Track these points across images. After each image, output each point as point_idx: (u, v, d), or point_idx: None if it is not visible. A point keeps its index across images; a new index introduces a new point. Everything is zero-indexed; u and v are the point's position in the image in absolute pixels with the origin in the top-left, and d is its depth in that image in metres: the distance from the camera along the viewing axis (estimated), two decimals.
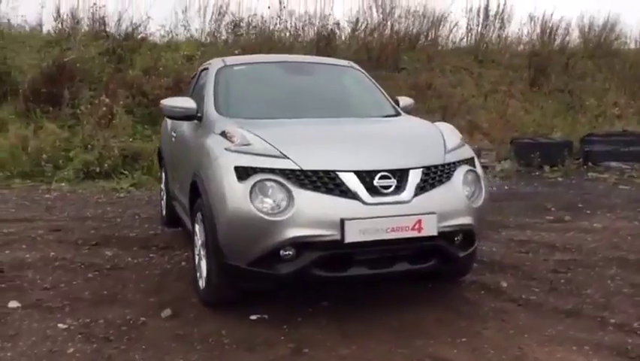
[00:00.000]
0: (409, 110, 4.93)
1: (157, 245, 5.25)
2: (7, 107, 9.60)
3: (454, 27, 15.23)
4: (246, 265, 3.40)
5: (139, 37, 12.32)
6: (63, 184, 8.55)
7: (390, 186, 3.39)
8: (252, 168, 3.38)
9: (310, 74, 4.88)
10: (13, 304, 3.81)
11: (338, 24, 13.99)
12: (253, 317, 3.65)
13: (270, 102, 4.48)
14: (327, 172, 3.35)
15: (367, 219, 3.29)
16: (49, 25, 12.32)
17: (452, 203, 3.53)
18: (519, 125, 12.95)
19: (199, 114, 4.34)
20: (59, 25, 11.98)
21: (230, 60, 4.95)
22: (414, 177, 3.45)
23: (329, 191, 3.32)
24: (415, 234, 3.37)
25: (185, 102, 4.39)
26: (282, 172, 3.34)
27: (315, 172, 3.34)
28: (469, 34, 15.76)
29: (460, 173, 3.66)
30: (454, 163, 3.68)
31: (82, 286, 4.18)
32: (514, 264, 4.77)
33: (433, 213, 3.40)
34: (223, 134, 3.72)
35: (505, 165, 10.85)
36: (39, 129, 9.30)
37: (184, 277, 4.35)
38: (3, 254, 4.92)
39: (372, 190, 3.36)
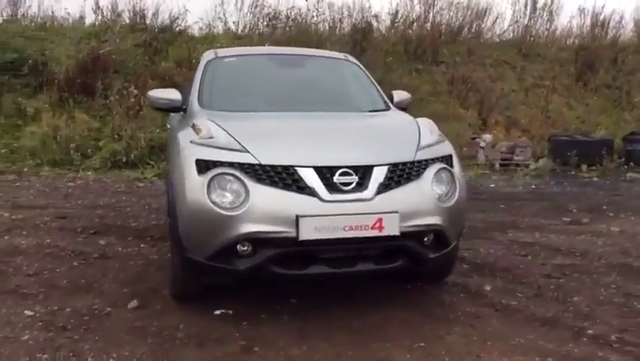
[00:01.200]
0: (404, 105, 4.79)
1: (152, 236, 5.29)
2: (43, 97, 9.91)
3: (497, 19, 14.80)
4: (204, 260, 3.35)
5: (176, 29, 12.48)
6: (90, 173, 8.78)
7: (350, 183, 3.28)
8: (212, 161, 3.33)
9: (301, 66, 4.80)
10: None
11: (376, 16, 13.82)
12: (217, 312, 3.61)
13: (254, 95, 4.43)
14: (285, 167, 3.27)
15: (323, 217, 3.20)
16: (90, 18, 12.60)
17: (418, 202, 3.39)
18: (561, 121, 12.51)
19: (184, 106, 4.33)
20: (99, 17, 12.24)
21: (222, 52, 4.93)
22: (378, 175, 3.33)
23: (286, 187, 3.24)
24: (375, 233, 3.25)
25: (171, 94, 4.39)
26: (241, 166, 3.29)
27: (273, 167, 3.27)
28: (515, 27, 15.32)
29: (431, 171, 3.51)
30: (425, 161, 3.53)
31: (63, 274, 4.25)
32: (507, 267, 4.58)
33: (396, 212, 3.27)
34: (193, 126, 3.69)
35: (540, 163, 10.47)
36: (71, 119, 9.55)
37: (165, 269, 4.34)
38: (2, 240, 5.06)
39: (332, 187, 3.26)
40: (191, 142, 3.52)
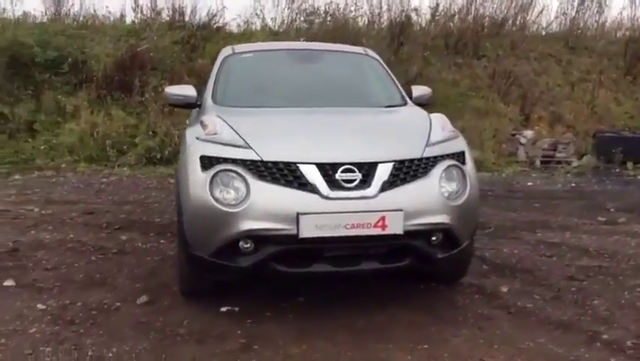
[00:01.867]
0: (424, 100, 4.68)
1: (173, 232, 5.28)
2: (82, 95, 10.13)
3: (542, 11, 14.37)
4: (208, 256, 3.34)
5: (214, 26, 12.59)
6: (125, 169, 8.93)
7: (353, 180, 3.21)
8: (215, 157, 3.32)
9: (318, 61, 4.74)
10: (8, 282, 3.99)
11: (416, 10, 13.60)
12: (223, 309, 3.60)
13: (268, 91, 4.40)
14: (287, 164, 3.22)
15: (325, 214, 3.14)
16: (131, 17, 12.82)
17: (424, 200, 3.29)
18: (608, 117, 12.06)
19: (199, 102, 4.34)
20: (139, 15, 12.46)
21: (239, 48, 4.92)
22: (382, 172, 3.25)
23: (288, 183, 3.20)
24: (378, 231, 3.17)
25: (186, 90, 4.41)
26: (243, 163, 3.26)
27: (275, 163, 3.23)
28: (564, 19, 14.84)
29: (439, 168, 3.40)
30: (434, 158, 3.43)
31: (80, 269, 4.32)
32: (529, 268, 4.42)
33: (400, 210, 3.19)
34: (201, 122, 3.69)
35: (584, 161, 10.12)
36: (108, 116, 9.74)
37: None
38: (28, 234, 5.19)
39: (334, 184, 3.19)
40: (197, 138, 3.51)
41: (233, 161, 3.28)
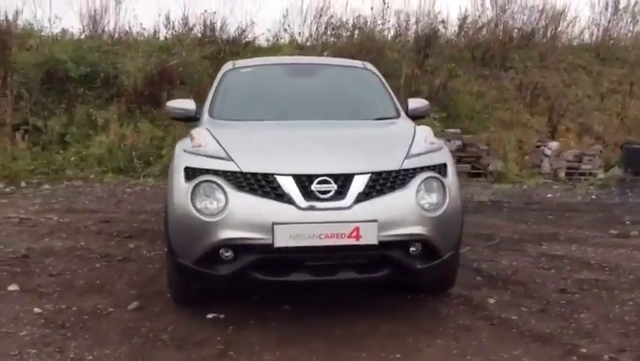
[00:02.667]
0: (420, 113, 4.74)
1: None
2: (113, 108, 10.47)
3: (573, 22, 14.18)
4: (192, 264, 3.46)
5: (244, 41, 12.84)
6: (150, 180, 9.20)
7: (329, 192, 3.29)
8: (198, 169, 3.45)
9: (314, 75, 4.85)
10: (12, 287, 4.19)
11: (443, 21, 13.59)
12: (209, 316, 3.70)
13: (261, 104, 4.52)
14: (265, 175, 3.32)
15: (299, 225, 3.22)
16: (164, 33, 13.18)
17: (400, 211, 3.34)
18: (638, 128, 11.79)
19: (197, 116, 4.49)
20: (172, 31, 12.81)
21: (240, 63, 5.07)
22: (358, 183, 3.31)
23: (265, 194, 3.29)
24: (352, 242, 3.23)
25: (186, 104, 4.57)
26: (224, 174, 3.37)
27: (254, 175, 3.33)
28: (595, 29, 14.62)
29: (418, 180, 3.44)
30: (413, 169, 3.47)
31: (83, 275, 4.49)
32: (523, 280, 4.40)
33: (374, 221, 3.25)
34: (190, 135, 3.83)
35: (610, 173, 9.93)
36: (136, 128, 10.05)
37: None
38: (42, 242, 5.42)
39: (310, 195, 3.28)
40: (184, 151, 3.65)
41: (215, 172, 3.40)
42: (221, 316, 3.71)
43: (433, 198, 3.47)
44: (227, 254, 3.33)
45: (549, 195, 8.46)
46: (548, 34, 14.25)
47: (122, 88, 10.83)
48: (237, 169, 3.36)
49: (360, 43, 12.64)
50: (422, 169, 3.51)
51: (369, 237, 3.25)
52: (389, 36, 13.35)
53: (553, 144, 10.55)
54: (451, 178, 3.62)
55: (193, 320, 3.66)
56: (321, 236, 3.22)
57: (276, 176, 3.31)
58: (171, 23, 12.81)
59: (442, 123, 10.89)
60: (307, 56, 11.81)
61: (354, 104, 4.63)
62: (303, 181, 3.29)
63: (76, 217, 6.46)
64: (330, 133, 3.97)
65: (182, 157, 3.61)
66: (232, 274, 3.35)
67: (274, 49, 12.88)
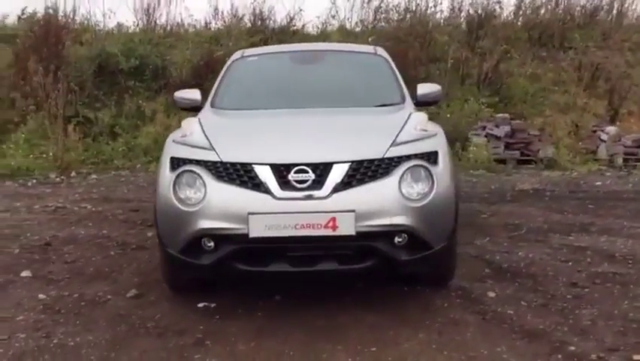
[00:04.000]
0: (431, 99, 4.57)
1: None
2: (160, 99, 10.73)
3: None
4: (178, 253, 3.49)
5: (292, 29, 12.85)
6: None
7: (306, 181, 3.23)
8: (182, 159, 3.47)
9: (320, 62, 4.77)
10: (25, 273, 4.36)
11: (499, 2, 13.11)
12: (200, 305, 3.73)
13: (262, 93, 4.51)
14: (243, 165, 3.30)
15: (274, 215, 3.19)
16: (215, 24, 13.37)
17: (380, 201, 3.24)
18: None
19: (202, 106, 4.52)
20: (221, 22, 12.98)
21: (248, 52, 5.06)
22: (337, 172, 3.24)
23: (243, 184, 3.28)
24: (329, 232, 3.17)
25: (192, 94, 4.60)
26: (205, 164, 3.38)
27: (233, 165, 3.32)
28: None
29: (402, 169, 3.32)
30: (398, 158, 3.35)
31: (95, 263, 4.62)
32: (534, 273, 4.19)
33: (352, 211, 3.17)
34: (181, 125, 3.86)
35: None
36: (181, 119, 10.23)
37: None
38: (67, 230, 5.62)
39: (287, 185, 3.23)
40: (173, 141, 3.69)
41: (197, 162, 3.41)
42: (212, 305, 3.72)
43: (419, 187, 3.34)
44: (209, 244, 3.34)
45: (597, 183, 8.02)
46: (614, 11, 13.48)
47: (169, 79, 11.07)
48: (218, 159, 3.36)
49: (410, 27, 12.37)
50: (409, 157, 3.38)
51: (346, 227, 3.17)
52: (441, 19, 13.00)
53: (611, 129, 10.00)
54: (442, 166, 3.46)
55: (183, 308, 3.70)
56: (297, 226, 3.17)
57: (253, 165, 3.28)
58: (220, 14, 12.94)
59: (492, 108, 10.56)
60: (354, 42, 11.75)
61: (357, 91, 4.52)
62: (281, 171, 3.25)
63: (109, 206, 6.67)
64: (319, 121, 3.90)
65: (170, 147, 3.64)
66: (214, 263, 3.36)
67: (321, 36, 12.82)
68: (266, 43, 12.22)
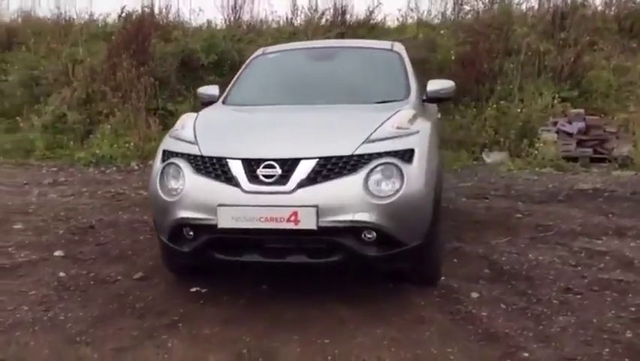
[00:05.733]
0: (442, 95, 4.52)
1: None
2: None
3: None
4: (167, 240, 3.74)
5: (370, 23, 12.87)
6: None
7: (273, 176, 3.36)
8: (170, 152, 3.73)
9: (335, 59, 4.86)
10: (58, 253, 4.80)
11: None
12: (192, 289, 3.97)
13: (271, 89, 4.67)
14: (219, 159, 3.48)
15: (241, 207, 3.34)
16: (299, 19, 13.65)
17: (343, 197, 3.29)
18: None
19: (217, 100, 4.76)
20: (301, 17, 13.24)
21: (270, 49, 5.22)
22: (303, 168, 3.34)
23: (217, 177, 3.46)
24: (291, 226, 3.28)
25: (211, 90, 4.84)
26: (187, 157, 3.60)
27: (210, 158, 3.51)
28: None
29: (371, 166, 3.36)
30: (369, 155, 3.38)
31: (122, 245, 4.99)
32: (534, 276, 4.07)
33: (314, 206, 3.26)
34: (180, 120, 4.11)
35: None
36: None
37: None
38: (114, 215, 6.08)
39: (255, 179, 3.37)
40: (169, 135, 3.94)
41: (182, 155, 3.64)
42: (204, 290, 3.95)
43: (388, 184, 3.36)
44: (190, 233, 3.56)
45: None
46: None
47: None
48: (198, 153, 3.57)
49: (488, 19, 12.00)
50: (380, 155, 3.41)
51: (308, 222, 3.27)
52: (524, 9, 12.51)
53: None
54: (416, 165, 3.46)
55: (177, 291, 3.96)
56: (261, 219, 3.31)
57: (227, 160, 3.46)
58: (299, 9, 13.20)
59: (571, 103, 10.05)
60: (431, 35, 11.61)
61: (361, 88, 4.53)
62: (251, 165, 3.40)
63: None
64: (304, 118, 4.00)
65: (165, 140, 3.91)
66: (193, 251, 3.58)
67: (399, 30, 12.74)
68: (343, 38, 12.34)
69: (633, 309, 3.47)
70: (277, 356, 3.04)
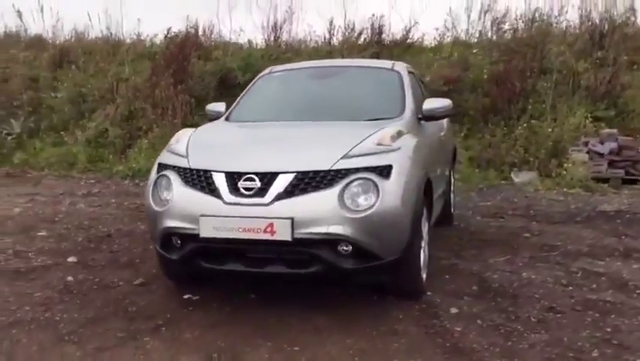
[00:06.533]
0: (438, 114, 4.59)
1: None
2: None
3: None
4: (159, 248, 3.95)
5: (407, 42, 12.97)
6: None
7: (253, 188, 3.51)
8: (164, 164, 3.94)
9: (336, 78, 5.00)
10: (71, 258, 5.08)
11: (634, 9, 12.15)
12: (185, 296, 4.15)
13: (270, 107, 4.86)
14: (205, 172, 3.67)
15: (221, 218, 3.50)
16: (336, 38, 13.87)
17: (318, 210, 3.41)
18: None
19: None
20: (337, 37, 13.46)
21: (276, 68, 5.41)
22: (281, 181, 3.48)
23: (202, 189, 3.64)
24: (267, 236, 3.42)
25: (218, 107, 5.05)
26: (177, 169, 3.81)
27: (197, 171, 3.70)
28: None
29: (347, 180, 3.47)
30: (346, 170, 3.50)
31: (132, 254, 5.24)
32: (519, 294, 4.07)
33: (290, 218, 3.39)
34: None
35: None
36: None
37: None
38: (133, 225, 6.36)
39: (237, 191, 3.54)
40: (165, 149, 4.16)
41: (172, 167, 3.85)
42: (196, 297, 4.12)
43: (363, 199, 3.46)
44: (178, 241, 3.75)
45: None
46: None
47: None
48: (187, 165, 3.77)
49: (529, 37, 11.92)
50: (357, 170, 3.51)
51: (283, 233, 3.40)
52: (563, 27, 12.36)
53: None
54: (394, 181, 3.55)
55: (170, 297, 4.14)
56: (240, 230, 3.46)
57: (212, 172, 3.64)
58: (336, 29, 13.42)
59: (606, 122, 9.87)
60: (466, 53, 11.62)
61: (356, 105, 4.63)
62: (234, 178, 3.56)
63: None
64: (290, 134, 4.14)
65: (162, 154, 4.12)
66: (181, 258, 3.77)
67: (436, 49, 12.79)
68: (378, 57, 12.48)
69: (609, 330, 3.44)
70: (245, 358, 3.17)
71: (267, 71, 5.37)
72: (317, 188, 3.47)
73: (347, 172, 3.50)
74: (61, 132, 11.70)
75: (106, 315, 3.84)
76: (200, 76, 11.99)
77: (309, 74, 5.15)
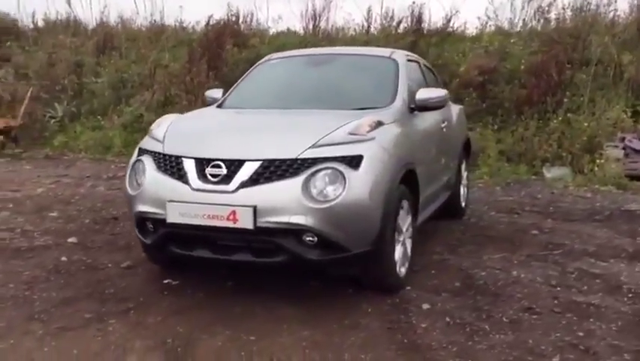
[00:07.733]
0: (431, 104, 4.45)
1: None
2: None
3: None
4: (137, 233, 3.99)
5: (447, 31, 12.67)
6: None
7: (219, 175, 3.49)
8: (142, 149, 3.98)
9: (331, 65, 4.90)
10: (71, 239, 5.20)
11: None
12: (165, 281, 4.18)
13: (260, 94, 4.82)
14: (177, 157, 3.68)
15: (187, 204, 3.51)
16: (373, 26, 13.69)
17: (281, 199, 3.37)
18: None
19: None
20: (375, 25, 13.28)
21: (275, 55, 5.36)
22: (246, 169, 3.45)
23: (172, 174, 3.65)
24: (230, 224, 3.41)
25: (215, 93, 5.05)
26: (152, 154, 3.83)
27: (170, 156, 3.72)
28: None
29: (313, 170, 3.41)
30: (313, 159, 3.44)
31: (130, 237, 5.22)
32: (501, 293, 3.93)
33: (253, 206, 3.36)
34: None
35: None
36: None
37: None
38: None
39: (204, 178, 3.53)
40: (148, 134, 4.19)
41: (149, 152, 3.88)
42: (175, 282, 4.15)
43: (328, 189, 3.40)
44: (151, 226, 3.78)
45: None
46: None
47: None
48: (162, 151, 3.78)
49: (574, 28, 11.44)
50: (325, 160, 3.45)
51: (246, 221, 3.38)
52: (610, 17, 11.81)
53: None
54: (363, 171, 3.46)
55: (151, 282, 4.19)
56: (204, 216, 3.46)
57: (182, 158, 3.64)
58: (374, 17, 13.25)
59: None
60: (507, 43, 11.27)
61: (346, 93, 4.53)
62: (202, 164, 3.56)
63: None
64: (268, 122, 4.10)
65: (144, 139, 4.15)
66: (154, 243, 3.80)
67: (477, 37, 12.44)
68: (415, 46, 12.24)
69: (581, 334, 3.27)
70: (196, 348, 3.17)
71: (266, 58, 5.33)
72: (282, 177, 3.43)
73: (314, 162, 3.44)
74: (99, 117, 11.98)
75: (82, 296, 3.91)
76: (235, 63, 12.05)
77: (305, 62, 5.08)
